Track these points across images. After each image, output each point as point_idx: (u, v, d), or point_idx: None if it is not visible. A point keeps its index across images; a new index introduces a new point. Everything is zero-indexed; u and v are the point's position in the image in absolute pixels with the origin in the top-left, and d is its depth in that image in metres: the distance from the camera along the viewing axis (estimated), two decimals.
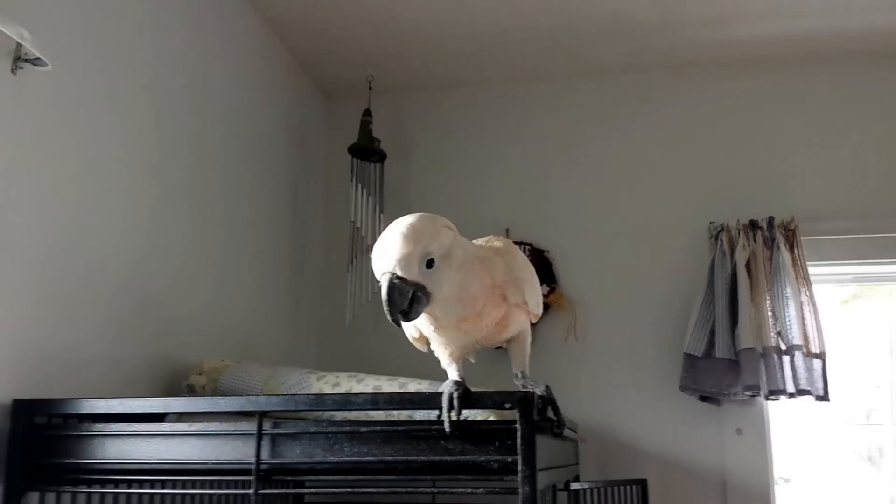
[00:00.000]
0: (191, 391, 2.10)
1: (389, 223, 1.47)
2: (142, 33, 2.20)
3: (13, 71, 1.67)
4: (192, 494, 2.05)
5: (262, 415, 1.55)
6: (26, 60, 1.67)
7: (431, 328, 1.54)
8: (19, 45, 1.64)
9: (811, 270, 2.87)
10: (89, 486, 1.70)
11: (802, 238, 2.90)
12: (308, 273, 3.31)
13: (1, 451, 1.64)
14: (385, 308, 1.43)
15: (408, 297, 1.42)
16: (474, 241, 1.64)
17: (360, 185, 3.15)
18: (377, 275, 1.45)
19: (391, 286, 1.41)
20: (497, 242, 1.67)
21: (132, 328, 2.09)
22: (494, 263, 1.57)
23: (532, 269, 1.71)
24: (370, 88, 3.22)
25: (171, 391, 2.18)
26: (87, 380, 1.88)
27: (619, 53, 3.18)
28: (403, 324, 1.52)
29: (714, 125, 3.22)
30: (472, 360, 1.72)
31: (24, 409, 1.66)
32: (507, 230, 3.19)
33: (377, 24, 2.98)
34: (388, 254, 1.42)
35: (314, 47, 3.15)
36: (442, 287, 1.45)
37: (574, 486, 2.38)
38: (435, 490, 1.54)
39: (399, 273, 1.41)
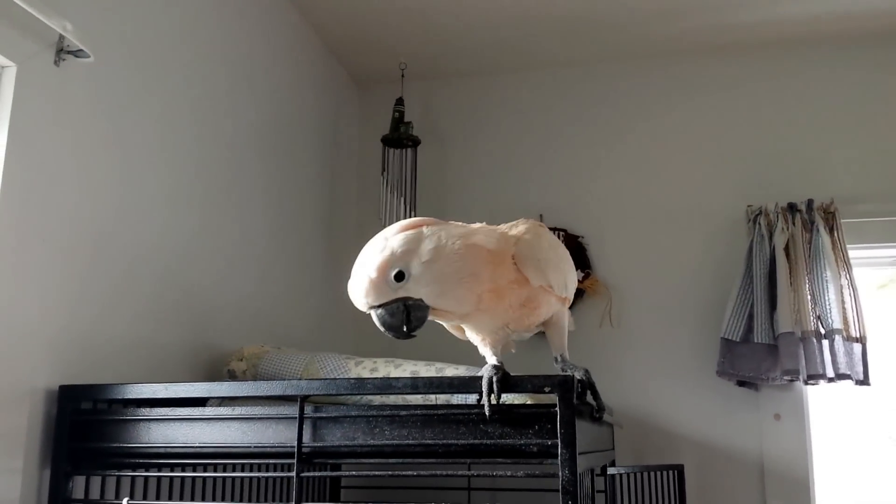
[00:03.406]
0: (231, 377, 2.13)
1: (421, 216, 1.49)
2: (180, 25, 2.23)
3: (56, 63, 1.69)
4: (235, 477, 2.08)
5: (304, 398, 1.57)
6: (69, 52, 1.70)
7: (457, 317, 1.55)
8: (62, 37, 1.67)
9: (851, 253, 2.83)
10: (134, 470, 1.73)
11: (842, 221, 2.86)
12: (344, 261, 3.31)
13: (47, 436, 1.67)
14: (390, 335, 1.48)
15: (402, 313, 1.46)
16: (498, 227, 1.63)
17: (387, 181, 3.15)
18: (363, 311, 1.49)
19: (380, 317, 1.47)
20: (522, 225, 1.64)
21: (174, 316, 2.12)
22: (483, 233, 1.54)
23: (561, 252, 1.69)
24: (403, 77, 3.23)
25: (212, 377, 2.21)
26: (130, 366, 1.92)
27: (653, 37, 3.15)
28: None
29: (751, 107, 3.17)
30: (513, 350, 1.72)
31: (70, 395, 1.69)
32: (541, 216, 3.18)
33: (409, 11, 2.98)
34: (358, 296, 1.47)
35: (347, 36, 3.16)
36: (427, 287, 1.45)
37: (611, 470, 2.37)
38: (473, 473, 1.55)
39: (378, 304, 1.45)
